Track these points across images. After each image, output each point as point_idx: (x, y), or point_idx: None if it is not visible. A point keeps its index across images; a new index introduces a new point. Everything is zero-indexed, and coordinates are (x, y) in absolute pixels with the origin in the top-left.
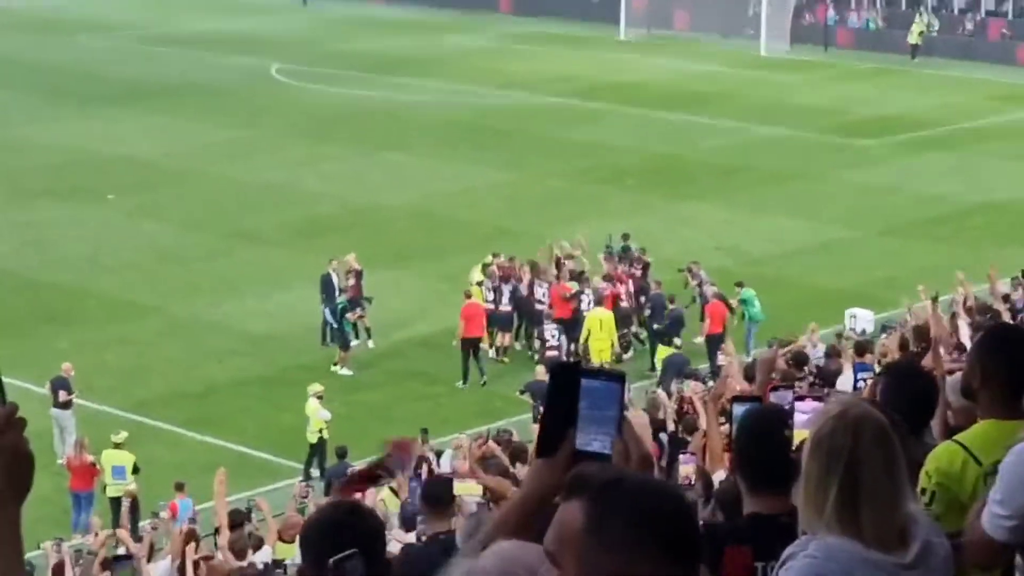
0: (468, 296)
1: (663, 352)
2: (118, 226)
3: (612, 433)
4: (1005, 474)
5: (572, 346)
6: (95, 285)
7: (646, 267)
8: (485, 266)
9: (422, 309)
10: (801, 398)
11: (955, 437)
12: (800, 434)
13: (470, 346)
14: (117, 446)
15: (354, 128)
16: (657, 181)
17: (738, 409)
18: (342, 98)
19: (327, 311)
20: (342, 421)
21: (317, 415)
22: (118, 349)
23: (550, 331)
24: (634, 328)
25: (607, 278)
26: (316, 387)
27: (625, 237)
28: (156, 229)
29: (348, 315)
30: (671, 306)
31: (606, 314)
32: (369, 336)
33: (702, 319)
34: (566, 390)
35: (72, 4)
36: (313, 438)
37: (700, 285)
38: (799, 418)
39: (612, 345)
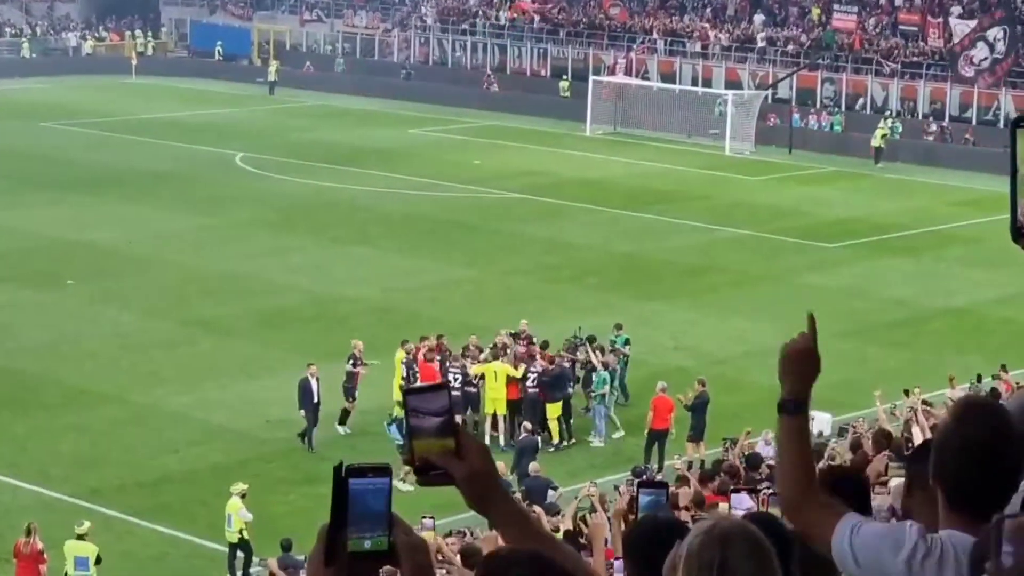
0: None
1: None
2: (79, 313)
3: (384, 530)
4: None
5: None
6: (54, 372)
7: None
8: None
9: (380, 405)
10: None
11: None
12: None
13: None
14: (80, 537)
15: (318, 219)
16: (620, 280)
17: (644, 498)
18: (307, 188)
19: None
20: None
21: (239, 514)
22: (73, 436)
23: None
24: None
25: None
26: (240, 486)
27: (618, 327)
28: (118, 316)
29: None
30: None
31: (502, 367)
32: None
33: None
34: (338, 493)
35: (38, 91)
36: (234, 538)
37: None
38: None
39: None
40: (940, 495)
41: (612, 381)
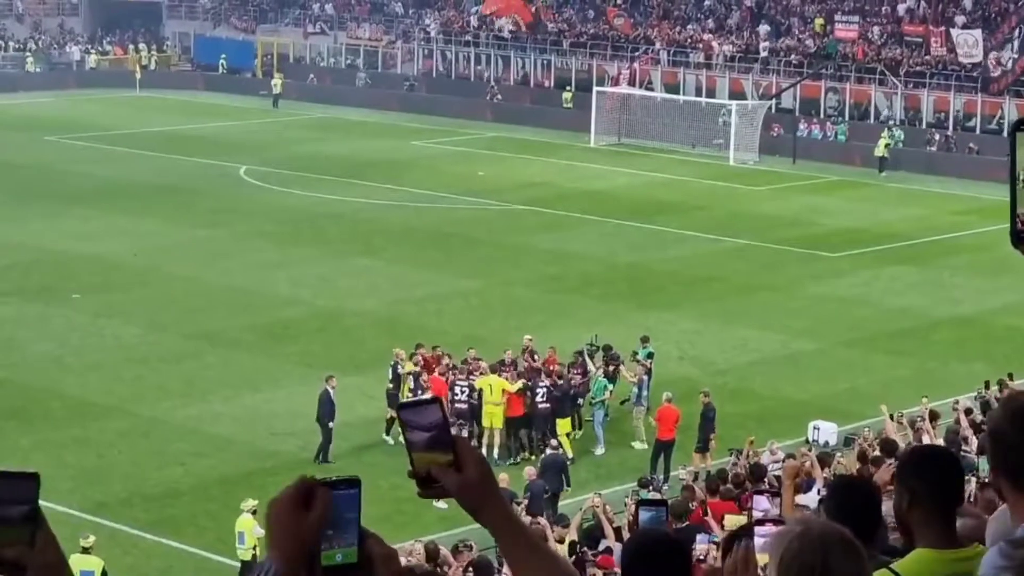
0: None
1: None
2: (84, 326)
3: (354, 541)
4: None
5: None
6: (59, 384)
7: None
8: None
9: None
10: (761, 522)
11: (891, 565)
12: (762, 557)
13: None
14: (85, 550)
15: (322, 232)
16: (624, 290)
17: (644, 515)
18: (311, 201)
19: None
20: None
21: (253, 531)
22: (79, 449)
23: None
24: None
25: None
26: (250, 502)
27: (644, 340)
28: (122, 329)
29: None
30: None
31: (499, 381)
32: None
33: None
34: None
35: (42, 105)
36: (247, 555)
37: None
38: (758, 542)
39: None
40: (1006, 484)
41: (641, 391)
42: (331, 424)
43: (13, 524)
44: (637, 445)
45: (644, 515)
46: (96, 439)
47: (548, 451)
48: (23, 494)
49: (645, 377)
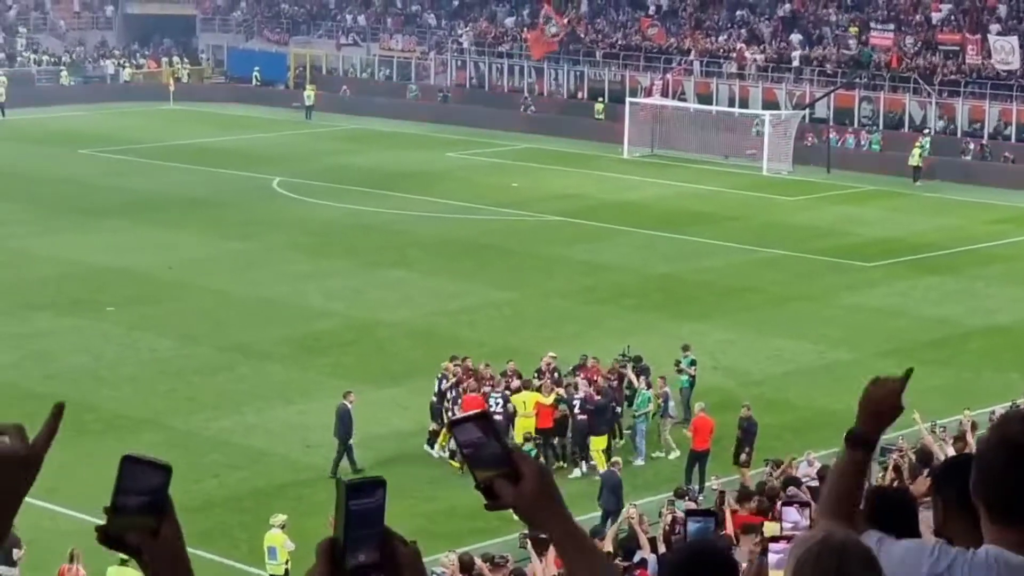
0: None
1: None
2: (118, 339)
3: (378, 542)
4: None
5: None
6: (94, 397)
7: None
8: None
9: (422, 427)
10: (775, 539)
11: None
12: (775, 574)
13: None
14: (123, 563)
15: (355, 243)
16: (658, 301)
17: (692, 526)
18: (344, 212)
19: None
20: None
21: (284, 546)
22: (113, 462)
23: None
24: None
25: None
26: (279, 517)
27: (685, 348)
28: (156, 342)
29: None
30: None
31: (532, 395)
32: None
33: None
34: (345, 510)
35: (77, 118)
36: (279, 571)
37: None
38: (772, 558)
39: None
40: (983, 511)
41: (667, 402)
42: (351, 440)
43: (136, 511)
44: (671, 456)
45: (692, 526)
46: (131, 451)
47: (607, 468)
48: (151, 483)
49: (668, 390)
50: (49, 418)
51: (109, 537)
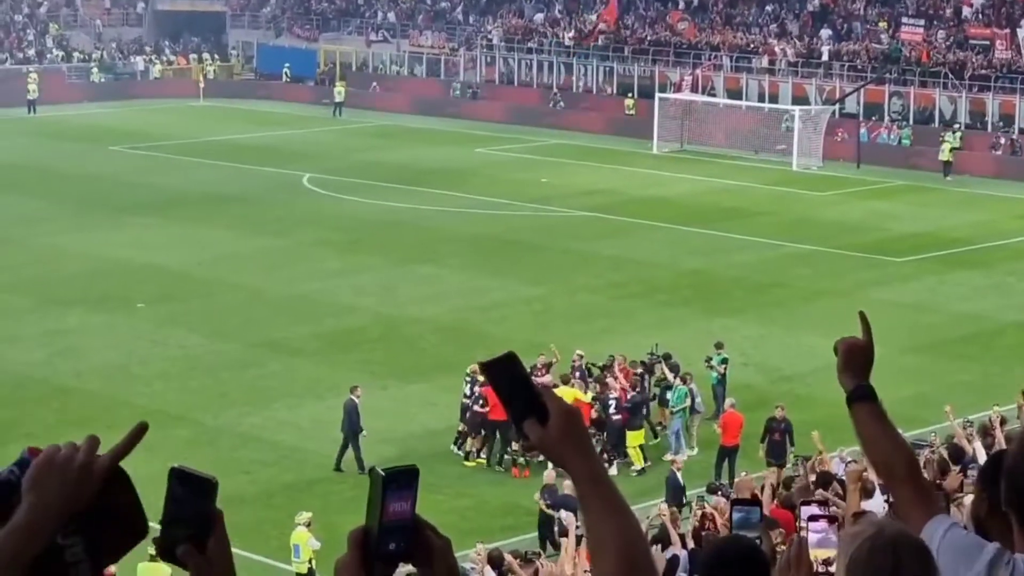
0: None
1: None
2: (149, 335)
3: (409, 532)
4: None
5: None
6: (125, 393)
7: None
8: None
9: (450, 424)
10: (815, 518)
11: None
12: (820, 552)
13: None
14: (153, 558)
15: (385, 239)
16: (688, 296)
17: (736, 515)
18: (373, 209)
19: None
20: None
21: (308, 543)
22: (145, 457)
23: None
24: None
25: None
26: (304, 515)
27: (718, 346)
28: (187, 338)
29: None
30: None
31: (570, 391)
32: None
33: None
34: (379, 499)
35: (106, 115)
36: (303, 569)
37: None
38: (812, 537)
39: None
40: (1015, 521)
41: (695, 398)
42: (361, 435)
43: (183, 525)
44: (692, 453)
45: (736, 515)
46: (162, 447)
47: (671, 470)
48: (198, 498)
49: (694, 386)
50: (126, 435)
51: (163, 550)
